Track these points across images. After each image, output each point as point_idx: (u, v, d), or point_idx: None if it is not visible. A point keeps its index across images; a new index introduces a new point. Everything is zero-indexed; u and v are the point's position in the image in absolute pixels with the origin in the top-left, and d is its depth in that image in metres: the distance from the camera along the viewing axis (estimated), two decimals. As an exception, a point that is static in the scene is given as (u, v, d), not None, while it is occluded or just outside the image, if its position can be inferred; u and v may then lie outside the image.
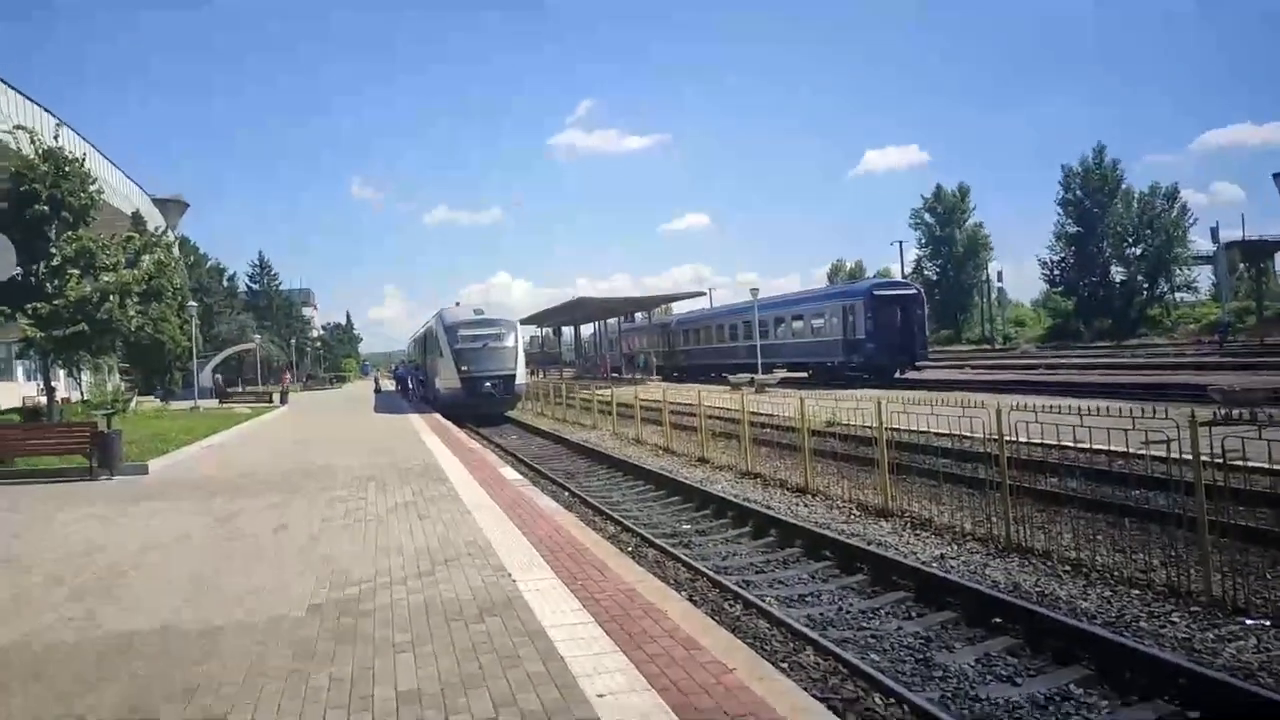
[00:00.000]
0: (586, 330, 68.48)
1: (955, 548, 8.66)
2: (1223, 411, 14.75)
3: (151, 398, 39.52)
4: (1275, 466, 7.86)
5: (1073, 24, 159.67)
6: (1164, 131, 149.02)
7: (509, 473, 12.76)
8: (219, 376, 54.88)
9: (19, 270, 19.76)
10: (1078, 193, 68.46)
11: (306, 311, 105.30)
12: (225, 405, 38.41)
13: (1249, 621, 6.05)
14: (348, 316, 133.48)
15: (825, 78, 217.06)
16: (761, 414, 16.05)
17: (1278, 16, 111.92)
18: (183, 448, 17.36)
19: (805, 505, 11.34)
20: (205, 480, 13.09)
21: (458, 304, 32.69)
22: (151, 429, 20.65)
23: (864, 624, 6.70)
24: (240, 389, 54.02)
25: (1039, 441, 10.54)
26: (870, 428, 11.36)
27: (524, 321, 44.26)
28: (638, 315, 61.85)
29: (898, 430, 11.69)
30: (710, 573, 8.18)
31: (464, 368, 28.43)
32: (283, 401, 39.83)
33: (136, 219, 35.05)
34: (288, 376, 65.69)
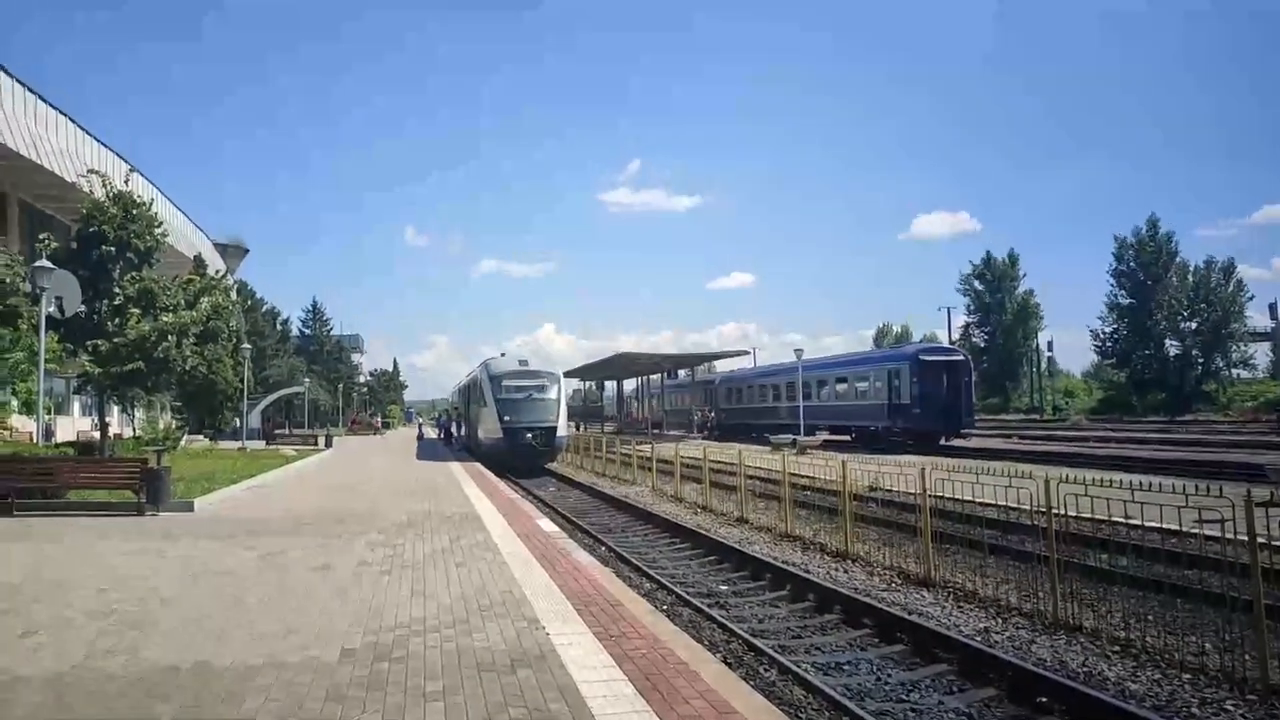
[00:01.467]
0: (629, 385, 68.65)
1: (1000, 622, 8.44)
2: (1281, 492, 14.29)
3: (201, 437, 40.26)
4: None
5: (1133, 99, 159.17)
6: (1223, 203, 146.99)
7: (547, 524, 12.74)
8: (271, 420, 55.85)
9: (83, 308, 20.45)
10: (1131, 264, 67.57)
11: (355, 358, 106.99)
12: (272, 447, 38.96)
13: (1309, 713, 5.80)
14: (394, 363, 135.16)
15: (876, 142, 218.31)
16: (802, 476, 15.86)
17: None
18: (229, 487, 17.61)
19: (845, 571, 11.16)
20: (248, 520, 13.24)
21: (503, 354, 33.03)
22: (199, 467, 21.01)
23: (903, 696, 6.53)
24: (288, 431, 54.81)
25: (1088, 516, 10.29)
26: (913, 494, 11.18)
27: (568, 374, 44.48)
28: (680, 372, 61.84)
29: (941, 498, 11.50)
30: (746, 635, 8.06)
31: (506, 418, 28.59)
32: (328, 445, 40.33)
33: (198, 262, 36.18)
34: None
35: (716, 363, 60.70)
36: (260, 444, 40.47)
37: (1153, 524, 9.42)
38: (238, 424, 40.94)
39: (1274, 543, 6.58)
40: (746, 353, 60.95)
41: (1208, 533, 7.50)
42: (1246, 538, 6.48)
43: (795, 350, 38.67)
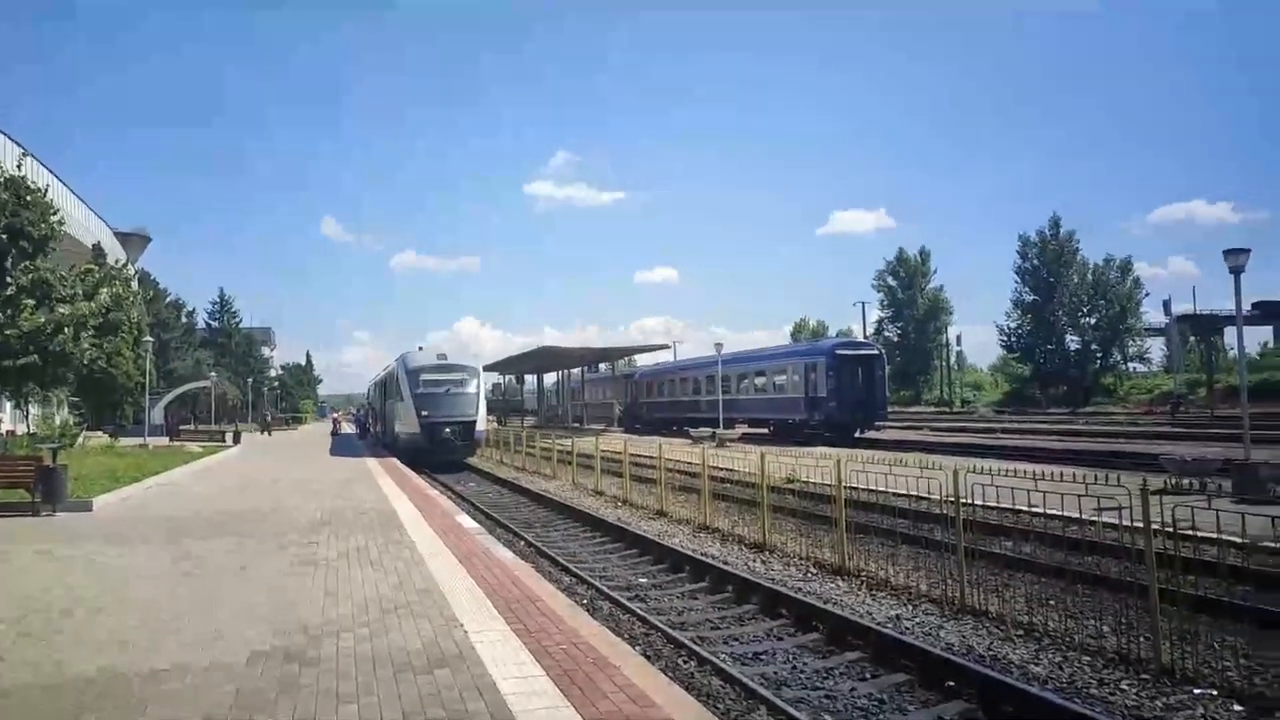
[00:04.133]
0: (550, 379, 68.37)
1: (910, 608, 8.66)
2: (1174, 481, 15.01)
3: (101, 433, 38.58)
4: (1224, 536, 8.01)
5: (1040, 101, 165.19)
6: (1122, 204, 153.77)
7: (466, 521, 12.59)
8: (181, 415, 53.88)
9: (-30, 299, 19.44)
10: (1034, 262, 70.16)
11: (266, 351, 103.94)
12: (177, 443, 37.58)
13: (1196, 691, 6.10)
14: (308, 357, 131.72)
15: (795, 140, 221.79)
16: (721, 468, 16.06)
17: (1229, 103, 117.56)
18: (130, 485, 16.92)
19: (762, 562, 11.31)
20: (151, 520, 12.75)
21: (421, 348, 32.52)
22: (99, 465, 20.14)
23: (818, 684, 6.65)
24: (193, 427, 52.97)
25: (994, 505, 10.64)
26: (829, 485, 11.40)
27: (487, 369, 44.04)
28: (602, 366, 61.88)
29: (856, 489, 11.76)
30: (665, 628, 8.10)
31: (424, 412, 28.17)
32: (236, 441, 39.12)
33: (97, 251, 34.66)
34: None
35: (639, 357, 60.77)
36: (164, 441, 39.01)
37: (1055, 512, 9.81)
38: (140, 420, 39.38)
39: (1167, 529, 6.90)
40: (667, 346, 61.28)
41: (1106, 520, 7.83)
42: (1142, 525, 6.78)
43: (715, 345, 38.99)
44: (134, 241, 26.92)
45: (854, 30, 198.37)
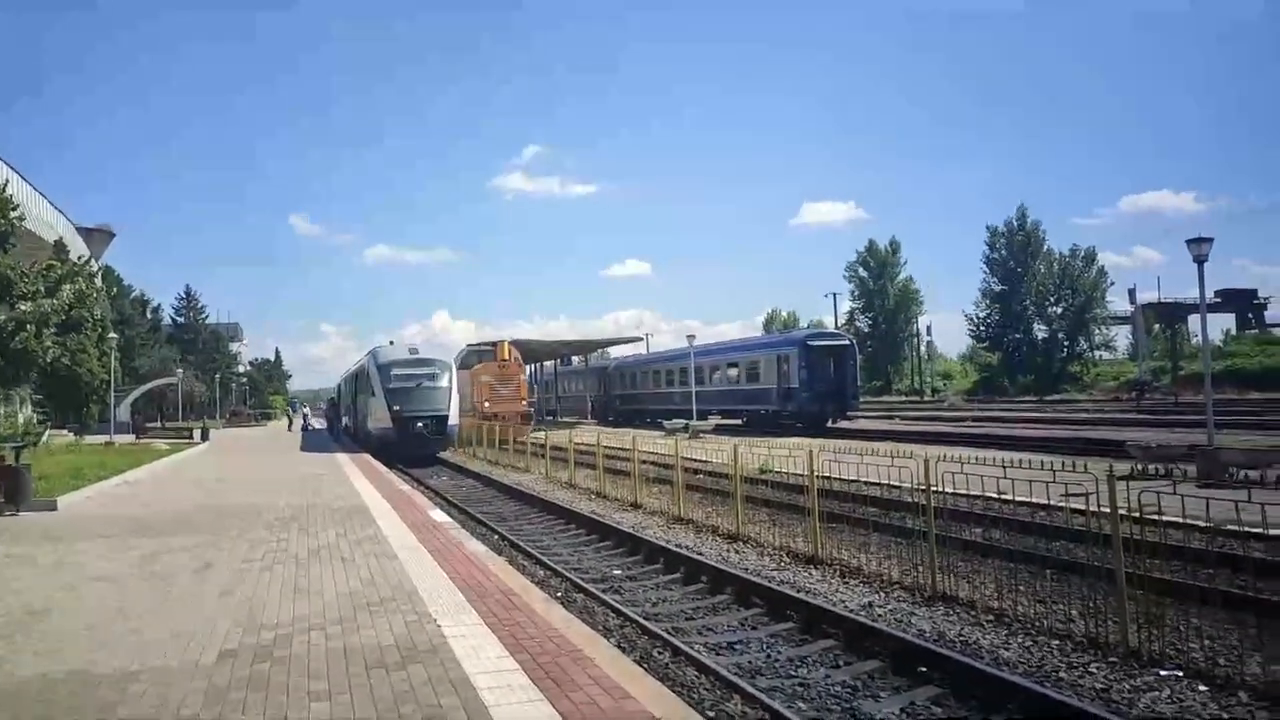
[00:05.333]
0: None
1: (882, 596, 8.73)
2: (1140, 467, 15.24)
3: (65, 432, 37.96)
4: (1189, 521, 8.13)
5: (1005, 89, 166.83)
6: (1089, 194, 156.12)
7: (438, 515, 12.53)
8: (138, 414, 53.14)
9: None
10: (1002, 252, 70.87)
11: (234, 347, 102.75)
12: (143, 441, 37.07)
13: (1163, 672, 6.20)
14: (276, 352, 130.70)
15: (766, 132, 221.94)
16: (695, 460, 16.08)
17: (1191, 91, 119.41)
18: (96, 484, 16.65)
19: (736, 552, 11.35)
20: (118, 519, 12.56)
21: (392, 343, 32.32)
22: (64, 464, 19.81)
23: (792, 672, 6.68)
24: (160, 425, 52.28)
25: (965, 492, 10.75)
26: (802, 475, 11.45)
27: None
28: (575, 358, 61.75)
29: (828, 479, 11.83)
30: (640, 619, 8.11)
31: (396, 407, 28.00)
32: (204, 438, 38.66)
33: (59, 247, 34.05)
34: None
35: (612, 349, 60.76)
36: (130, 439, 38.45)
37: (1024, 498, 9.94)
38: (106, 418, 38.80)
39: (1134, 514, 6.99)
40: (640, 338, 61.44)
41: (1074, 506, 7.93)
42: (1109, 510, 6.87)
43: (688, 336, 39.18)
44: (97, 237, 26.55)
45: (829, 24, 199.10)
